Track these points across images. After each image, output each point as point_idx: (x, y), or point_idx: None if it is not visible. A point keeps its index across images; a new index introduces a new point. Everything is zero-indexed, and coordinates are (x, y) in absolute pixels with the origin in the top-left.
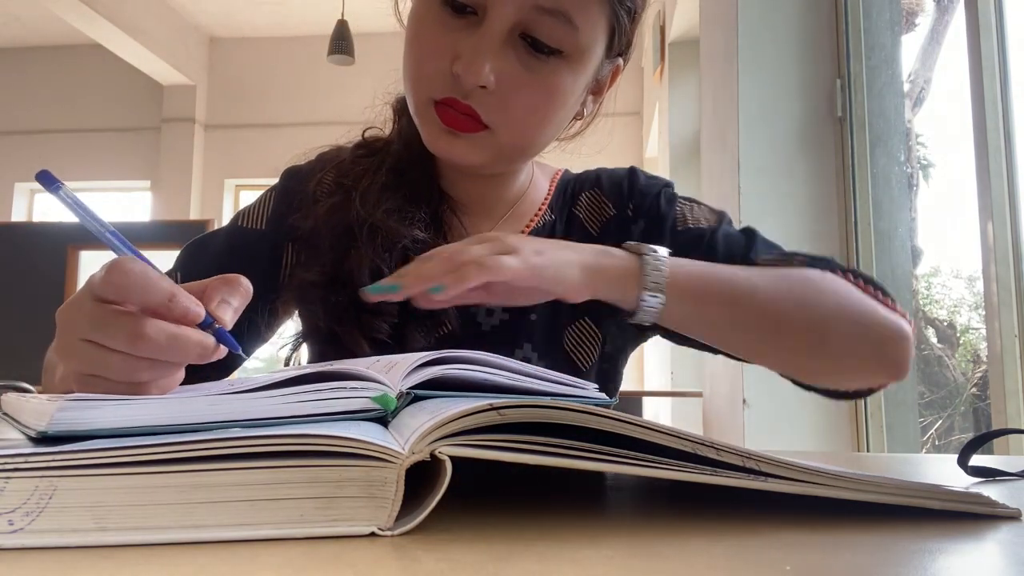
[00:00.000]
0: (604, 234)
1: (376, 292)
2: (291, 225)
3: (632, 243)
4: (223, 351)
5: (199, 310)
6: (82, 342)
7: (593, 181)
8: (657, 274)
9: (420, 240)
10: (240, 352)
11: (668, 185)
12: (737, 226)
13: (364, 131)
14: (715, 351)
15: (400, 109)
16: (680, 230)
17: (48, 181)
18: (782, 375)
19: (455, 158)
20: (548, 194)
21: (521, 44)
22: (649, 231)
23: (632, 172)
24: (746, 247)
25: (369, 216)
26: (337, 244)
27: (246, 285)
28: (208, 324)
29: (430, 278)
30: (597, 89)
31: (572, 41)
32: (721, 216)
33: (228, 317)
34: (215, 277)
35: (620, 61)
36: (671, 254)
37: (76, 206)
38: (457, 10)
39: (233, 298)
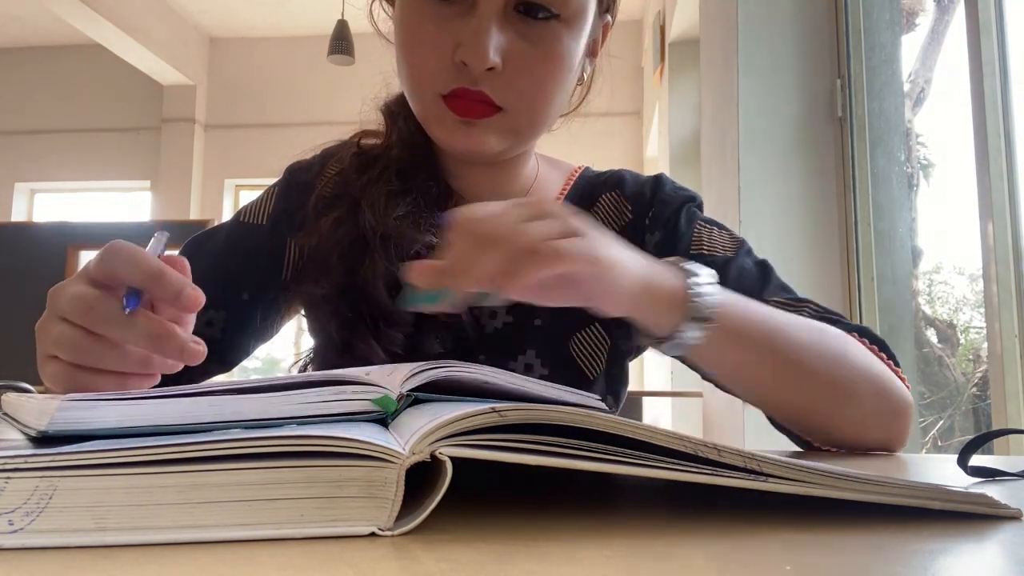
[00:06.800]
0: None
1: (414, 303)
2: (295, 224)
3: (675, 259)
4: (203, 356)
5: (198, 294)
6: (58, 319)
7: (615, 182)
8: (706, 306)
9: (434, 246)
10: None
11: (692, 200)
12: (739, 230)
13: (359, 139)
14: (716, 383)
15: (395, 112)
16: (694, 254)
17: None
18: (770, 417)
19: (474, 147)
20: (564, 189)
21: (516, 17)
22: (663, 246)
23: (658, 179)
24: (759, 286)
25: (380, 224)
26: (346, 256)
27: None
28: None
29: (480, 279)
30: (592, 51)
31: (565, 1)
32: (739, 245)
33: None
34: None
35: (608, 18)
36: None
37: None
38: None
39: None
